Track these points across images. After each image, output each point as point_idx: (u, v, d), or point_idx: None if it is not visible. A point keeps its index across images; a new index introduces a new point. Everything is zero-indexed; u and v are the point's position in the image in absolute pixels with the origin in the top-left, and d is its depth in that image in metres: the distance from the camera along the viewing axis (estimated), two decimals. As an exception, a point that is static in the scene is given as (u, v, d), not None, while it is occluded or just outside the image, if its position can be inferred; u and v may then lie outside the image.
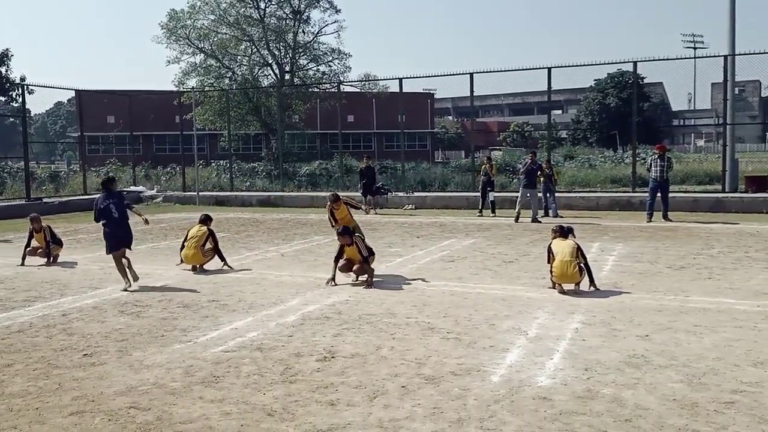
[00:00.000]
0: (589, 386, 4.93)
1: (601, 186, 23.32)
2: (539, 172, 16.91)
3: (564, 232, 8.35)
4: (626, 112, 46.76)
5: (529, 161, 16.96)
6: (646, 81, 45.40)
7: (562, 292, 7.96)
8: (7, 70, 42.89)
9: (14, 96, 41.36)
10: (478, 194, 18.44)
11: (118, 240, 8.99)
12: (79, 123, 31.88)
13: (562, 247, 8.04)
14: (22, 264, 10.92)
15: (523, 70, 21.07)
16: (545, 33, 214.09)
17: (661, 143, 17.39)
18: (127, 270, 8.96)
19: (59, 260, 11.23)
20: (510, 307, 7.41)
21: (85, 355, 5.94)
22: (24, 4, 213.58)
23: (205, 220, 10.52)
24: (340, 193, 10.99)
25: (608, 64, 25.23)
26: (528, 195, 16.47)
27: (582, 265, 7.97)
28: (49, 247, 11.15)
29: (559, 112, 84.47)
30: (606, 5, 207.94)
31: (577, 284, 8.00)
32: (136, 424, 4.39)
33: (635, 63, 20.26)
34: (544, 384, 4.99)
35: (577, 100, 70.42)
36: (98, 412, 4.61)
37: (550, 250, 8.19)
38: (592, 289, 8.06)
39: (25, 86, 26.45)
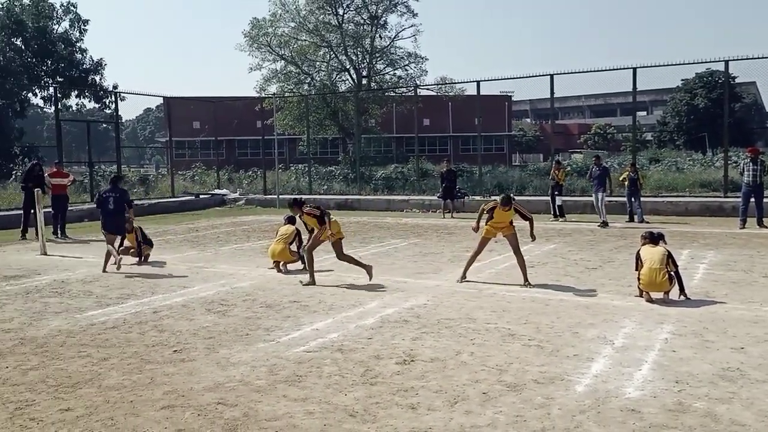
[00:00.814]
0: (681, 399, 4.72)
1: (690, 190, 22.30)
2: (607, 176, 16.72)
3: (654, 238, 8.02)
4: (716, 113, 44.57)
5: (594, 166, 16.81)
6: (737, 80, 43.19)
7: (650, 300, 7.67)
8: (101, 79, 45.35)
9: (107, 103, 43.68)
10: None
11: (111, 228, 11.03)
12: (168, 128, 33.32)
13: (652, 254, 7.73)
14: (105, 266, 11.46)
15: (606, 70, 20.50)
16: (629, 31, 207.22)
17: (753, 146, 16.50)
18: (113, 253, 10.78)
19: (149, 260, 11.75)
20: (594, 315, 7.20)
21: (175, 351, 6.19)
22: (116, 16, 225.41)
23: (291, 220, 10.75)
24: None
25: (698, 63, 24.05)
26: (599, 199, 16.25)
27: (672, 272, 7.65)
28: (141, 247, 11.68)
29: (644, 113, 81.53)
30: (693, 1, 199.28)
31: (666, 293, 7.69)
32: (223, 419, 4.54)
33: (727, 62, 19.30)
34: (632, 395, 4.82)
35: (663, 101, 67.76)
36: (188, 406, 4.79)
37: (638, 257, 7.89)
38: (682, 298, 7.72)
39: (118, 94, 27.86)
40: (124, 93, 28.79)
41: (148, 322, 7.34)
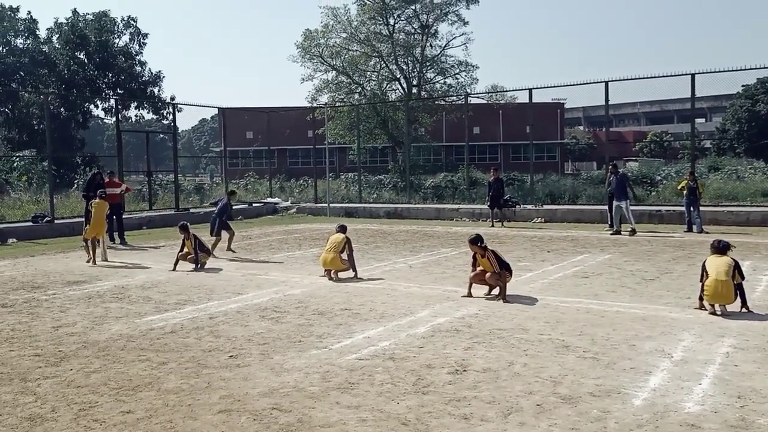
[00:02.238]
0: (743, 415, 4.57)
1: (751, 200, 21.52)
2: (627, 183, 16.61)
3: (721, 248, 7.76)
4: (779, 119, 42.98)
5: (611, 173, 16.71)
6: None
7: (713, 313, 7.43)
8: (159, 91, 46.82)
9: (165, 114, 45.03)
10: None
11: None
12: (222, 138, 34.09)
13: (718, 265, 7.49)
14: (174, 269, 11.81)
15: (663, 77, 20.03)
16: (686, 36, 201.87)
17: None
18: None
19: (206, 267, 12.03)
20: (652, 327, 7.03)
21: (230, 356, 6.32)
22: (174, 29, 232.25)
23: (342, 229, 10.87)
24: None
25: (759, 68, 23.20)
26: (621, 208, 16.15)
27: (737, 285, 7.39)
28: (197, 254, 11.97)
29: (702, 120, 79.18)
30: (754, 5, 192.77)
31: (724, 305, 7.44)
32: (278, 425, 4.61)
33: (791, 66, 18.61)
34: (692, 410, 4.68)
35: (722, 108, 65.70)
36: (244, 411, 4.88)
37: (704, 268, 7.65)
38: (743, 311, 7.46)
39: (175, 105, 28.67)
40: (181, 104, 29.71)
41: (204, 327, 7.51)
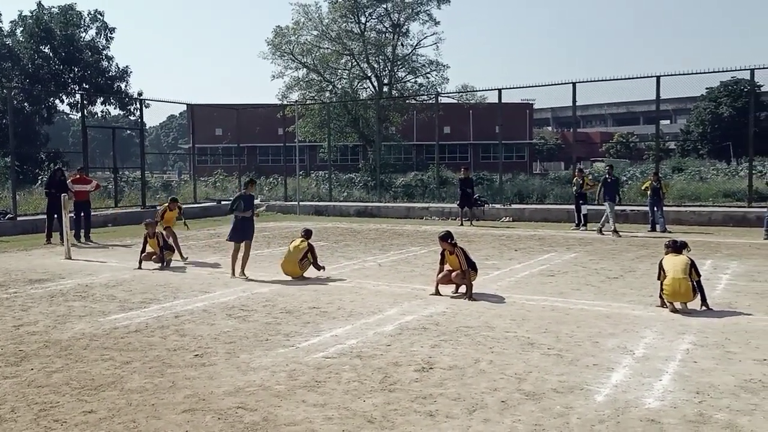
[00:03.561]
0: (701, 410, 4.68)
1: (713, 200, 22.04)
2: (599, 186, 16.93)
3: (677, 248, 7.94)
4: (741, 122, 44.03)
5: (607, 175, 16.88)
6: (763, 89, 42.62)
7: (674, 311, 7.59)
8: (126, 86, 46.09)
9: (132, 110, 44.37)
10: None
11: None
12: (191, 135, 33.70)
13: (675, 264, 7.66)
14: (139, 267, 11.65)
15: (629, 79, 20.38)
16: (652, 40, 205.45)
17: None
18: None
19: (171, 265, 11.88)
20: (615, 325, 7.15)
21: (196, 355, 6.26)
22: (142, 24, 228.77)
23: (307, 234, 10.74)
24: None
25: (722, 71, 23.71)
26: (610, 208, 16.34)
27: (695, 283, 7.57)
28: (162, 252, 11.83)
29: (667, 121, 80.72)
30: (717, 10, 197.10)
31: (685, 303, 7.62)
32: (243, 423, 4.58)
33: (752, 70, 19.09)
34: (652, 406, 4.78)
35: (686, 110, 67.09)
36: (209, 410, 4.84)
37: (661, 266, 7.83)
38: (704, 308, 7.64)
39: (143, 101, 28.26)
40: (148, 100, 29.15)
41: (169, 326, 7.43)
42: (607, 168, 17.72)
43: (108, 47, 45.73)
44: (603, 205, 16.57)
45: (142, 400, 5.07)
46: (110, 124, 43.43)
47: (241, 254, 10.65)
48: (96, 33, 45.41)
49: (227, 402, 4.99)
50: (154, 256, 11.84)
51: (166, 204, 13.46)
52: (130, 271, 11.43)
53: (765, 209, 15.02)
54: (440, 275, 8.99)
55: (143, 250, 11.90)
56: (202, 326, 7.39)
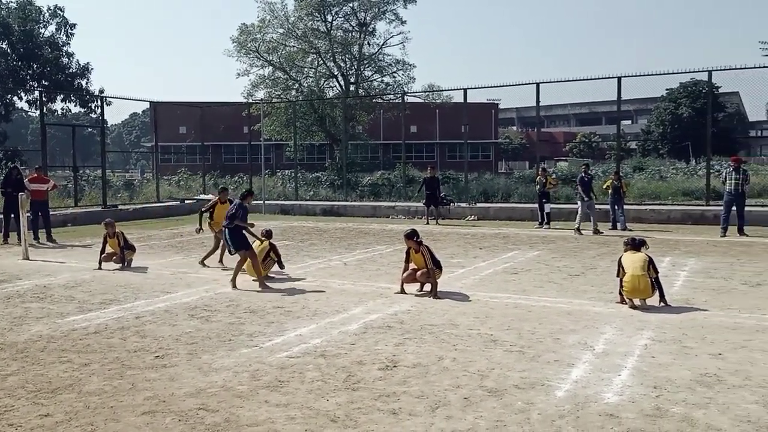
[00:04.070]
0: (659, 404, 4.78)
1: (673, 199, 22.54)
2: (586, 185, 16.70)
3: (636, 245, 8.11)
4: (700, 122, 45.04)
5: (583, 173, 16.81)
6: (721, 90, 43.73)
7: (633, 307, 7.75)
8: (87, 83, 45.11)
9: (93, 108, 43.45)
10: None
11: None
12: (154, 133, 33.18)
13: (633, 261, 7.82)
14: (99, 268, 11.43)
15: (591, 79, 20.69)
16: (615, 41, 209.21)
17: (736, 155, 16.73)
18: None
19: (132, 265, 11.69)
20: (576, 321, 7.27)
21: (157, 356, 6.17)
22: (104, 20, 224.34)
23: (267, 234, 10.65)
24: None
25: (681, 73, 24.35)
26: (587, 207, 16.26)
27: (653, 279, 7.74)
28: (123, 252, 11.62)
29: (629, 122, 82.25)
30: (678, 12, 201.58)
31: (644, 299, 7.78)
32: (204, 425, 4.53)
33: (710, 72, 19.55)
34: (611, 401, 4.87)
35: (647, 110, 68.46)
36: (169, 412, 4.77)
37: (620, 264, 7.98)
38: (662, 304, 7.81)
39: (104, 98, 27.73)
40: (110, 97, 28.62)
41: (130, 327, 7.30)
42: (583, 166, 17.85)
43: (68, 43, 44.67)
44: (581, 203, 16.44)
45: (101, 403, 4.98)
46: (70, 122, 42.49)
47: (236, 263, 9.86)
48: (56, 29, 44.33)
49: (188, 403, 4.93)
50: (115, 257, 11.62)
51: (216, 198, 11.71)
52: (89, 272, 11.20)
53: (722, 207, 15.39)
54: (405, 274, 9.01)
55: (103, 251, 11.68)
56: (164, 327, 7.28)
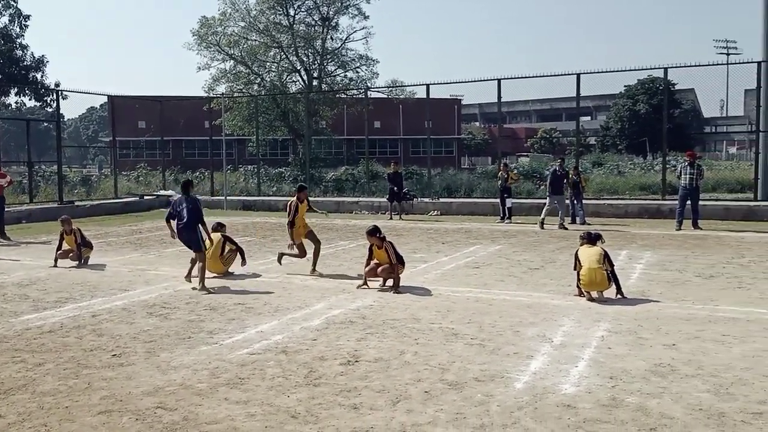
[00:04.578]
0: (614, 395, 4.88)
1: (630, 193, 23.05)
2: (566, 179, 16.84)
3: (592, 239, 8.27)
4: (656, 118, 46.07)
5: (557, 167, 16.93)
6: (677, 87, 44.76)
7: (591, 299, 7.90)
8: (42, 76, 43.91)
9: (49, 101, 42.34)
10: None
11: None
12: (112, 128, 32.50)
13: (590, 254, 7.97)
14: (54, 266, 11.16)
15: (551, 76, 21.02)
16: (575, 38, 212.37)
17: (691, 150, 17.15)
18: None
19: (89, 262, 11.45)
20: (535, 314, 7.37)
21: (114, 355, 6.06)
22: (60, 12, 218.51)
23: (218, 227, 10.56)
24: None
25: (638, 70, 24.88)
26: (555, 202, 16.41)
27: (609, 272, 7.90)
28: (80, 250, 11.37)
29: (588, 118, 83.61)
30: (637, 11, 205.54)
31: (602, 292, 7.93)
32: (162, 423, 4.47)
33: (666, 69, 20.00)
34: (568, 392, 4.96)
35: (606, 107, 69.64)
36: (126, 411, 4.70)
37: (577, 257, 8.13)
38: (618, 297, 7.98)
39: (60, 92, 27.03)
40: (66, 91, 27.89)
41: (86, 326, 7.16)
42: (559, 160, 17.92)
43: (22, 35, 43.41)
44: (550, 197, 16.46)
45: (55, 403, 4.87)
46: (25, 116, 41.35)
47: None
48: (9, 20, 43.04)
49: (146, 402, 4.86)
50: (71, 254, 11.36)
51: (293, 199, 10.40)
52: (44, 270, 10.93)
53: (677, 201, 15.76)
54: (367, 268, 9.02)
55: (59, 248, 11.41)
56: (121, 325, 7.16)
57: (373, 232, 8.97)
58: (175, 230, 9.38)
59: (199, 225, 9.27)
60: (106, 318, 7.50)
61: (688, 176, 15.44)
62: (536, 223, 16.28)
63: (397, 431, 4.31)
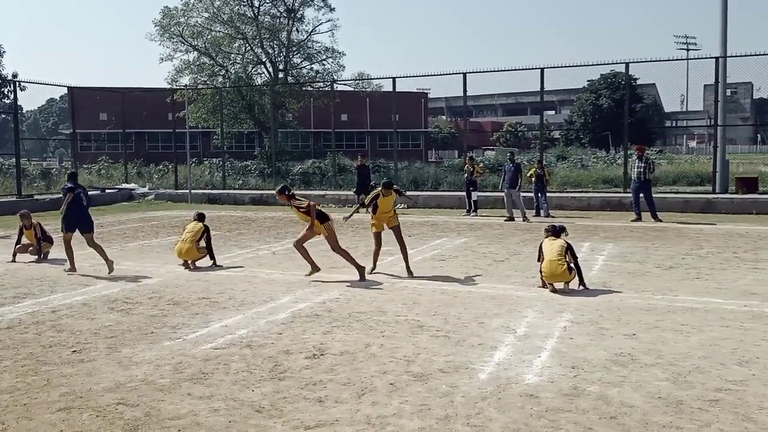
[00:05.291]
0: (576, 384, 4.96)
1: (593, 186, 23.39)
2: (519, 173, 17.00)
3: (556, 232, 8.39)
4: (619, 112, 46.84)
5: (509, 162, 17.24)
6: (638, 82, 45.65)
7: (554, 291, 8.01)
8: (-1, 67, 42.66)
9: (6, 93, 41.15)
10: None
11: (87, 227, 10.21)
12: (71, 120, 31.77)
13: (552, 247, 8.09)
14: (13, 260, 10.90)
15: (515, 70, 21.16)
16: (539, 33, 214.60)
17: (639, 144, 17.44)
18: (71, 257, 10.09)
19: (49, 257, 11.20)
20: (500, 305, 7.45)
21: (74, 351, 5.94)
22: (16, 1, 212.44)
23: (200, 217, 10.60)
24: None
25: (601, 65, 25.35)
26: (512, 195, 16.61)
27: (572, 264, 8.02)
28: (40, 244, 11.12)
29: (552, 112, 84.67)
30: (599, 6, 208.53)
31: (567, 283, 8.05)
32: (124, 420, 4.40)
33: (627, 64, 20.34)
34: (531, 382, 5.02)
35: (570, 101, 70.61)
36: (86, 408, 4.61)
37: (540, 250, 8.24)
38: (581, 288, 8.11)
39: (17, 83, 26.32)
40: (24, 82, 27.11)
41: (45, 322, 7.00)
42: (509, 154, 18.23)
43: (-23, 24, 42.20)
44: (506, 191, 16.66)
45: (13, 401, 4.76)
46: (-20, 107, 40.16)
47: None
48: (-38, 8, 41.77)
49: (106, 398, 4.77)
50: (31, 248, 11.11)
51: (378, 190, 9.56)
52: (2, 265, 10.65)
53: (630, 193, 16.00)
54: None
55: (18, 242, 11.14)
56: (82, 321, 7.02)
57: (282, 191, 9.32)
58: (72, 214, 10.04)
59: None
60: (66, 314, 7.35)
61: (636, 170, 15.82)
62: (501, 216, 16.46)
63: (362, 423, 4.31)
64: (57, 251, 11.63)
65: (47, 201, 21.60)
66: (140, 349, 5.97)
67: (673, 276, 9.12)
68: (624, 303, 7.52)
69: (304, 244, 9.30)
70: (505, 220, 16.26)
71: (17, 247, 11.12)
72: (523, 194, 17.43)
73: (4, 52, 41.43)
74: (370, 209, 9.72)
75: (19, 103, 27.13)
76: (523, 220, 16.08)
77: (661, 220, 15.41)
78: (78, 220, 10.00)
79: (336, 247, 9.30)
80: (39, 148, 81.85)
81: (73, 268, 9.90)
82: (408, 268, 9.31)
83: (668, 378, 5.07)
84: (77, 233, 10.00)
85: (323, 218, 9.23)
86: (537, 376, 5.13)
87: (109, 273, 9.67)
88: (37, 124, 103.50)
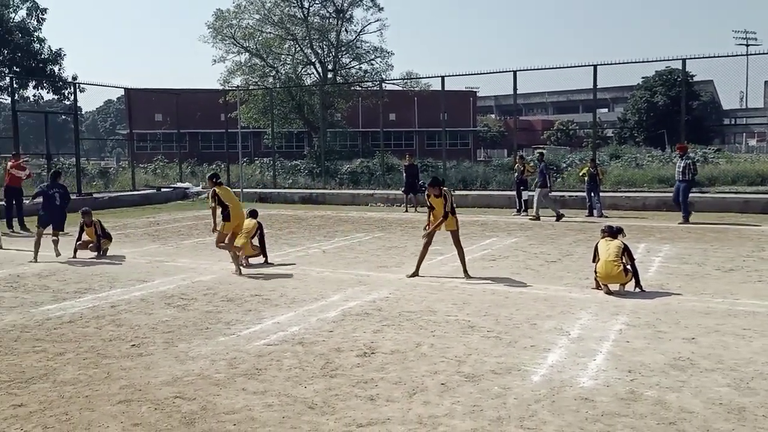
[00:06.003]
0: (633, 388, 4.85)
1: (648, 186, 22.80)
2: (547, 172, 17.00)
3: (613, 232, 8.20)
4: (675, 110, 45.60)
5: (537, 162, 17.09)
6: (695, 79, 44.21)
7: (609, 293, 7.84)
8: (60, 69, 44.25)
9: (66, 94, 42.66)
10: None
11: (59, 224, 11.65)
12: (128, 121, 32.70)
13: (608, 247, 7.91)
14: (74, 257, 11.28)
15: (568, 67, 20.82)
16: (592, 30, 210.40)
17: (681, 143, 16.89)
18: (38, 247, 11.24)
19: (108, 254, 11.56)
20: (552, 307, 7.33)
21: (132, 345, 6.12)
22: (76, 5, 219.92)
23: (253, 214, 10.82)
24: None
25: (656, 61, 24.49)
26: (540, 194, 16.60)
27: (628, 266, 7.83)
28: (100, 241, 11.48)
29: (605, 110, 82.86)
30: (655, 1, 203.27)
31: (623, 285, 7.87)
32: (181, 413, 4.51)
33: (684, 60, 19.75)
34: (585, 385, 4.93)
35: (623, 98, 68.97)
36: (145, 401, 4.74)
37: (596, 250, 8.08)
38: (637, 290, 7.91)
39: (77, 85, 27.25)
40: (83, 84, 28.17)
41: (105, 316, 7.23)
42: (538, 154, 18.07)
43: (40, 29, 43.73)
44: (538, 190, 16.71)
45: (75, 392, 4.93)
46: (43, 109, 41.74)
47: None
48: (26, 14, 43.39)
49: (164, 392, 4.90)
50: (91, 245, 11.48)
51: (430, 190, 9.32)
52: (64, 261, 11.04)
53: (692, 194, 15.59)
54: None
55: (79, 239, 11.53)
56: (140, 316, 7.22)
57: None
58: (44, 211, 11.45)
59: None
60: (125, 308, 7.57)
61: (677, 169, 15.44)
62: (551, 216, 16.25)
63: (414, 423, 4.31)
64: (115, 248, 12.01)
65: (106, 199, 22.33)
66: (196, 344, 6.10)
67: (733, 278, 8.82)
68: (682, 306, 7.31)
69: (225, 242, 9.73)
70: (531, 219, 16.29)
71: (78, 243, 11.50)
72: (576, 194, 17.14)
73: (65, 55, 42.95)
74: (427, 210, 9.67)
75: (78, 105, 28.10)
76: (535, 219, 16.22)
77: (689, 222, 14.93)
78: (51, 218, 11.38)
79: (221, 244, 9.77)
80: (97, 148, 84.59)
81: (35, 260, 10.93)
82: (465, 270, 9.21)
83: (730, 384, 4.91)
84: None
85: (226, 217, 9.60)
86: (592, 380, 5.03)
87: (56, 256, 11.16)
88: (96, 125, 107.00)
